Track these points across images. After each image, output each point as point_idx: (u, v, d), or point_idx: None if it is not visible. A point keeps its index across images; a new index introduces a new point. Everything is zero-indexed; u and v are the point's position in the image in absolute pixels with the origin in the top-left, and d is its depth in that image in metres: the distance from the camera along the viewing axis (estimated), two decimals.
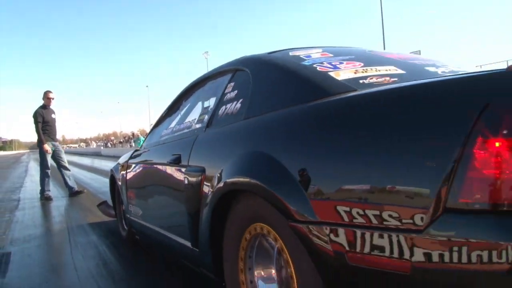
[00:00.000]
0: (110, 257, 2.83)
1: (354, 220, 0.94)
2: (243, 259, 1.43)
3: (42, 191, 6.16)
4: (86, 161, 20.61)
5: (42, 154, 6.26)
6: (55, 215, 4.85)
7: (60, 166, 6.44)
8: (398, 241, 0.85)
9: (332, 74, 1.41)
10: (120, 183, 3.21)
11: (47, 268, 2.67)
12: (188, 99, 2.45)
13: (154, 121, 3.11)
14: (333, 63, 1.53)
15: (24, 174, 13.00)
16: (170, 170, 2.05)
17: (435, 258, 0.79)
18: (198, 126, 2.00)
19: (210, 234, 1.57)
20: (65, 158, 6.59)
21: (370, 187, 0.93)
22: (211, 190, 1.53)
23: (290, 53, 1.72)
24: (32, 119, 6.25)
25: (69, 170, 6.53)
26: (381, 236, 0.89)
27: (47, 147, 6.16)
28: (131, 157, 3.01)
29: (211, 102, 2.00)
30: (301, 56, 1.65)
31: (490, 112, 0.77)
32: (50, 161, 6.28)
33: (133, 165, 2.86)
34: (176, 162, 1.95)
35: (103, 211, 4.12)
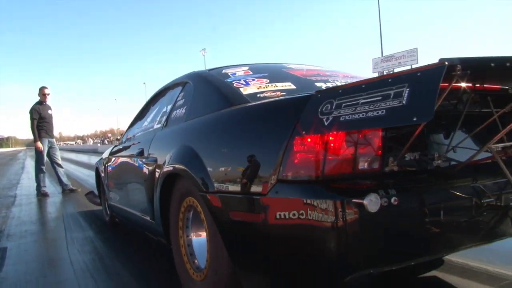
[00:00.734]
0: (106, 251, 2.88)
1: (232, 189, 1.46)
2: (182, 226, 1.92)
3: (38, 187, 6.19)
4: (83, 158, 20.59)
5: (38, 150, 6.28)
6: (52, 211, 4.89)
7: (54, 163, 6.47)
8: (254, 201, 1.35)
9: (241, 89, 1.90)
10: (102, 174, 3.74)
11: (44, 263, 2.71)
12: (155, 104, 2.94)
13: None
14: (247, 80, 2.03)
15: (21, 171, 12.99)
16: (136, 161, 2.59)
17: (275, 208, 1.28)
18: (157, 126, 2.51)
19: (161, 209, 2.06)
20: (59, 155, 6.61)
21: (239, 169, 1.44)
22: (160, 175, 2.03)
23: (223, 71, 2.21)
24: (28, 115, 6.25)
25: (63, 168, 6.56)
26: (245, 198, 1.40)
27: (40, 144, 6.17)
28: (110, 152, 3.55)
29: (168, 108, 2.49)
30: (228, 73, 2.15)
31: (302, 121, 1.23)
32: (45, 158, 6.31)
33: (112, 159, 3.41)
34: (140, 154, 2.50)
35: (90, 199, 4.61)
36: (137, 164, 2.56)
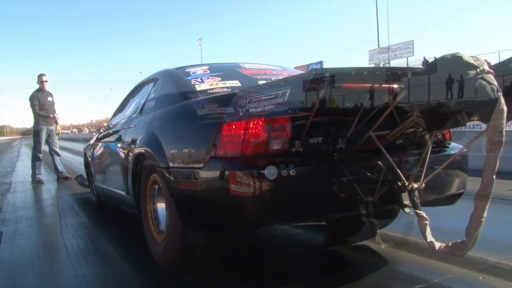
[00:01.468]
0: (98, 236, 2.97)
1: (180, 166, 1.88)
2: (149, 196, 2.34)
3: (34, 174, 6.24)
4: (78, 146, 20.55)
5: (36, 137, 6.32)
6: (46, 197, 4.97)
7: (52, 151, 6.52)
8: (195, 173, 1.75)
9: (196, 86, 2.31)
10: (89, 159, 4.21)
11: (38, 247, 2.80)
12: (134, 97, 3.37)
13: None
14: (203, 78, 2.42)
15: (16, 159, 12.91)
16: (115, 145, 3.06)
17: (208, 178, 1.71)
18: (134, 115, 2.92)
19: (133, 185, 2.50)
20: (58, 144, 6.64)
21: (184, 149, 1.90)
22: (132, 156, 2.45)
23: (186, 70, 2.63)
24: (28, 103, 6.28)
25: (60, 156, 6.63)
26: (189, 171, 1.80)
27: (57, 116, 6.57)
28: (96, 139, 4.05)
29: (142, 100, 2.92)
30: (190, 72, 2.57)
31: (228, 113, 1.69)
32: (44, 146, 6.34)
33: (98, 144, 3.87)
34: (118, 140, 2.97)
35: (79, 182, 5.01)
36: (116, 148, 3.03)
